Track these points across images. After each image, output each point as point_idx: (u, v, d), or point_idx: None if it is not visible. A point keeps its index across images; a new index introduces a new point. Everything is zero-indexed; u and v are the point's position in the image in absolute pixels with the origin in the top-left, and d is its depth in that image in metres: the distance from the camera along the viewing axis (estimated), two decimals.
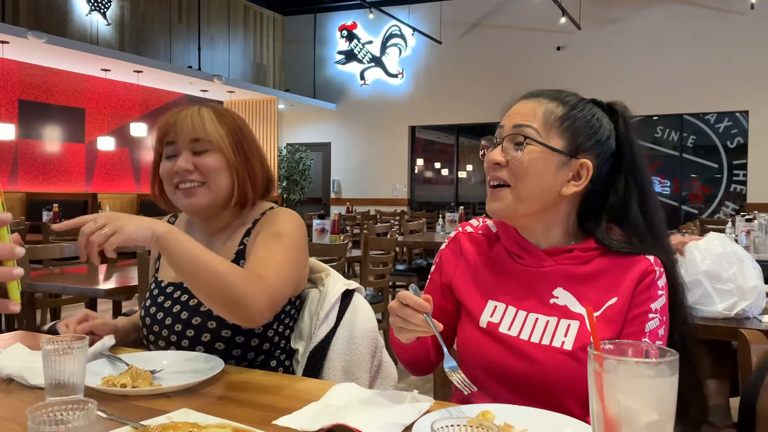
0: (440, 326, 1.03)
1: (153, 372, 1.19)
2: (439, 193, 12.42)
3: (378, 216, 8.90)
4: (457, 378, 1.02)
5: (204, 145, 1.38)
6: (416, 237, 6.15)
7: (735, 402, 2.14)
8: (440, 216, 6.54)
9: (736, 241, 3.24)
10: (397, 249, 6.09)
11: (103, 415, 0.97)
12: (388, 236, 5.14)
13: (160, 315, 1.40)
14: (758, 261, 2.61)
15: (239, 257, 1.41)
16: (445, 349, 1.05)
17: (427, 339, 1.19)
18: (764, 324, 1.80)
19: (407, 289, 1.05)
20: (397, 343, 1.18)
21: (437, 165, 12.58)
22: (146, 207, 9.86)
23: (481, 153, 1.18)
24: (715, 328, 1.78)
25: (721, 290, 1.80)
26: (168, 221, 1.57)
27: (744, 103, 9.67)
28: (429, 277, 1.30)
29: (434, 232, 6.47)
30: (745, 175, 9.87)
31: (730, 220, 5.40)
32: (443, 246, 1.30)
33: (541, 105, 1.13)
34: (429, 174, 12.63)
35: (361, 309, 1.50)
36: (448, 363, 1.04)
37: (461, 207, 8.33)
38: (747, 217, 5.17)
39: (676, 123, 10.27)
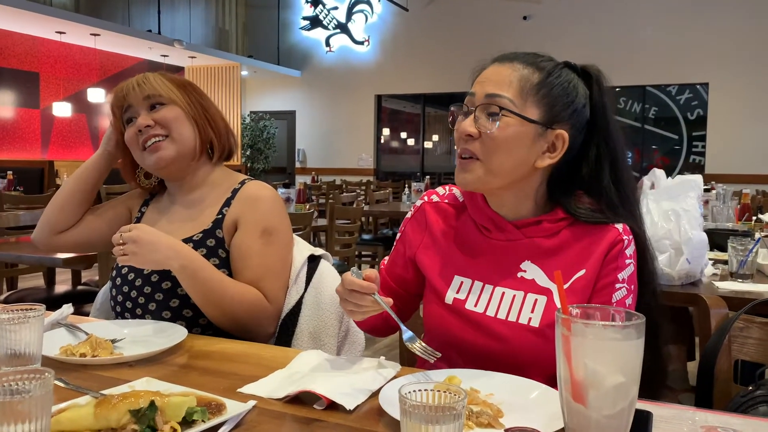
0: (390, 301, 1.02)
1: (114, 341, 1.16)
2: (405, 163, 12.39)
3: (344, 186, 8.85)
4: (419, 348, 1.01)
5: (156, 99, 1.42)
6: (382, 207, 6.13)
7: (691, 367, 2.21)
8: (406, 186, 6.53)
9: None
10: (363, 219, 6.07)
11: (62, 385, 0.94)
12: (354, 206, 5.12)
13: (131, 276, 1.39)
14: (716, 230, 2.69)
15: (216, 226, 1.40)
16: (400, 323, 1.04)
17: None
18: (721, 290, 1.86)
19: (369, 262, 1.03)
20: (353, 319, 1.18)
21: (403, 135, 12.52)
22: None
23: (449, 119, 1.12)
24: (674, 295, 1.83)
25: (660, 245, 1.88)
26: (144, 201, 1.55)
27: (704, 76, 9.83)
28: (394, 244, 1.29)
29: (400, 202, 6.47)
30: (703, 147, 10.09)
31: None
32: (408, 215, 1.26)
33: (516, 71, 1.06)
34: (395, 144, 12.58)
35: (328, 275, 1.49)
36: (406, 335, 1.03)
37: (427, 177, 8.33)
38: (705, 187, 5.28)
39: (639, 94, 10.40)
